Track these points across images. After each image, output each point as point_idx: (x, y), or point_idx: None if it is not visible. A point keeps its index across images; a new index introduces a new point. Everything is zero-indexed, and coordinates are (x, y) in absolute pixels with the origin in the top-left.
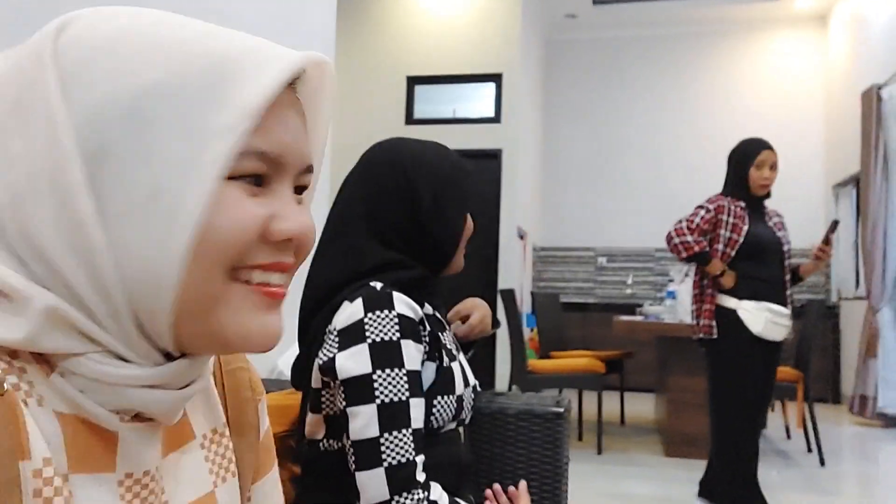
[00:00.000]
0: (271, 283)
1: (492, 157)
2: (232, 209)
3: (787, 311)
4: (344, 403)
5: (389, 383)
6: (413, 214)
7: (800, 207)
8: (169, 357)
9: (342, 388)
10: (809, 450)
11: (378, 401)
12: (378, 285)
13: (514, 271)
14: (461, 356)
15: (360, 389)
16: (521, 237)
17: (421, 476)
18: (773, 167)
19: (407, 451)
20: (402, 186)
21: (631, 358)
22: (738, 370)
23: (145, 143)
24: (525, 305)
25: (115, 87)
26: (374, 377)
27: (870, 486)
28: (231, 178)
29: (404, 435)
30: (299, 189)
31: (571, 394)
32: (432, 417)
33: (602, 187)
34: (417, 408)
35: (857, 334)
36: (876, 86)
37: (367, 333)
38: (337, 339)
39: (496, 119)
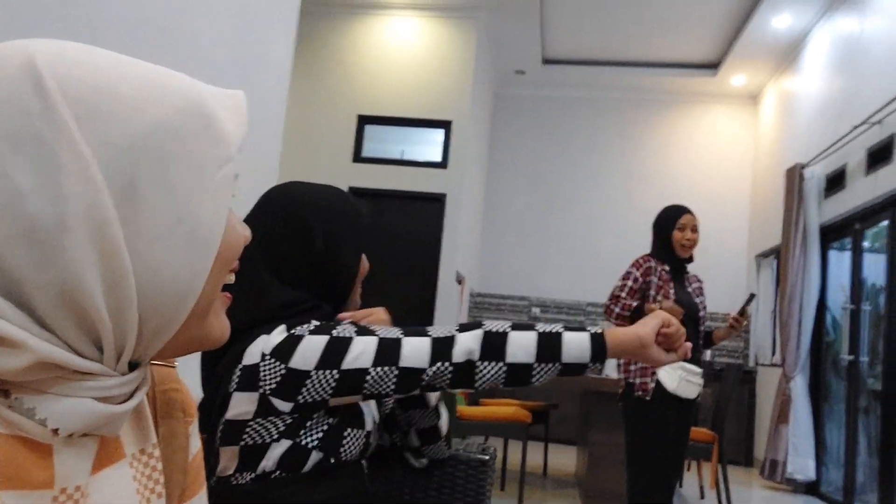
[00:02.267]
0: (229, 283)
1: (436, 201)
2: (232, 226)
3: (699, 370)
4: (335, 372)
5: (346, 329)
6: (308, 254)
7: (724, 275)
8: (132, 368)
9: (321, 370)
10: None
11: (352, 335)
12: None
13: (451, 315)
14: None
15: (336, 349)
16: (459, 282)
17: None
18: (694, 229)
19: (391, 331)
20: (296, 227)
21: (556, 409)
22: (654, 426)
23: (164, 176)
24: None
25: (130, 125)
26: (335, 334)
27: None
28: None
29: (382, 329)
30: None
31: (497, 442)
32: (342, 449)
33: (539, 239)
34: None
35: (772, 400)
36: (799, 165)
37: (302, 332)
38: (275, 360)
39: (443, 164)
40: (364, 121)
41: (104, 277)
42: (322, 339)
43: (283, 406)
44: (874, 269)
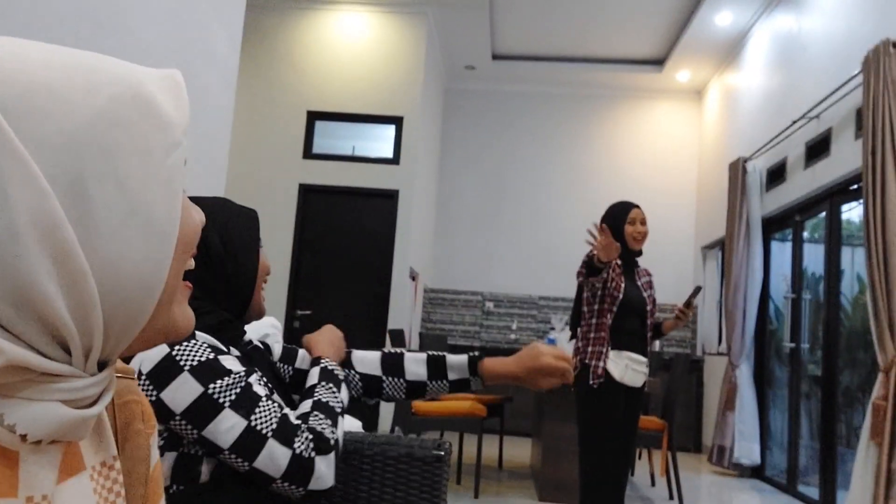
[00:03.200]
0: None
1: (388, 197)
2: (188, 212)
3: (644, 359)
4: (196, 432)
5: (226, 387)
6: (204, 259)
7: (671, 267)
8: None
9: (184, 421)
10: (671, 497)
11: (227, 402)
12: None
13: (405, 311)
14: (276, 396)
15: (204, 409)
16: (413, 278)
17: (296, 420)
18: (643, 222)
19: (274, 413)
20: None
21: (511, 402)
22: (605, 413)
23: (111, 167)
24: (413, 346)
25: (65, 121)
26: (210, 391)
27: None
28: None
29: (263, 405)
30: None
31: (452, 436)
32: None
33: (491, 234)
34: (258, 384)
35: (719, 387)
36: (742, 158)
37: (181, 362)
38: (149, 382)
39: (395, 160)
40: (314, 117)
41: (61, 281)
42: (196, 390)
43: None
44: (814, 259)
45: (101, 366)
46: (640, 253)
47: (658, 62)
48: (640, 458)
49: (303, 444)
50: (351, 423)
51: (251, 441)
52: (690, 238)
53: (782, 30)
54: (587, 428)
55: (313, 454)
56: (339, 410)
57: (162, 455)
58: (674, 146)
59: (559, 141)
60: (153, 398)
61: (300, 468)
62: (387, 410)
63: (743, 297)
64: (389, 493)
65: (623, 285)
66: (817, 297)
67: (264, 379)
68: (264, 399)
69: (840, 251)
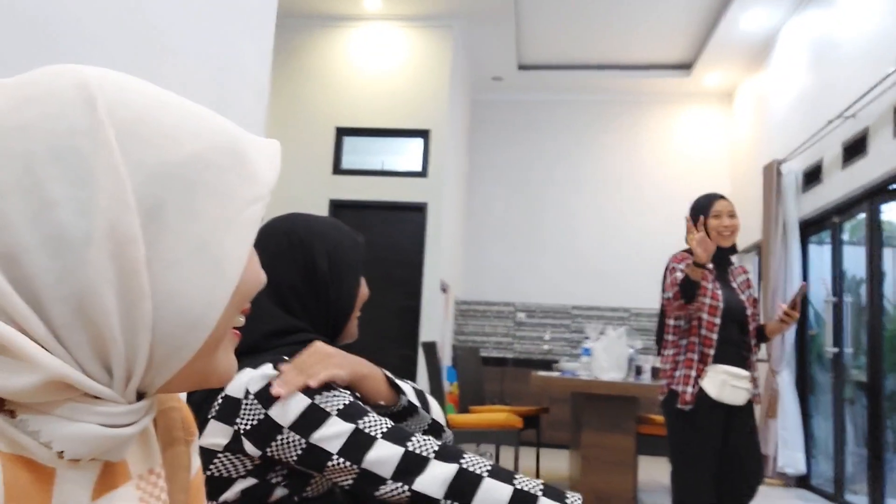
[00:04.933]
0: (236, 325)
1: (417, 210)
2: (252, 264)
3: (745, 373)
4: (303, 442)
5: (333, 397)
6: (310, 279)
7: None
8: (140, 397)
9: (292, 433)
10: None
11: (335, 410)
12: (286, 357)
13: (437, 324)
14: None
15: (313, 417)
16: (444, 290)
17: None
18: (732, 215)
19: (383, 423)
20: (298, 253)
21: (547, 413)
22: (696, 435)
23: (194, 203)
24: (445, 358)
25: (167, 152)
26: (317, 400)
27: None
28: None
29: (373, 416)
30: None
31: (488, 449)
32: (308, 488)
33: (522, 244)
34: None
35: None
36: (776, 161)
37: None
38: (257, 401)
39: (423, 173)
40: (342, 133)
41: (121, 295)
42: (304, 402)
43: (253, 451)
44: (854, 261)
45: (140, 396)
46: (733, 250)
47: (686, 66)
48: None
49: (418, 444)
50: None
51: (361, 440)
52: None
53: (813, 28)
54: (677, 453)
55: (431, 455)
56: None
57: (245, 478)
58: (704, 150)
59: (588, 149)
60: (261, 416)
61: (413, 463)
62: None
63: (782, 302)
64: None
65: (719, 292)
66: (859, 300)
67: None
68: (371, 413)
69: (882, 252)
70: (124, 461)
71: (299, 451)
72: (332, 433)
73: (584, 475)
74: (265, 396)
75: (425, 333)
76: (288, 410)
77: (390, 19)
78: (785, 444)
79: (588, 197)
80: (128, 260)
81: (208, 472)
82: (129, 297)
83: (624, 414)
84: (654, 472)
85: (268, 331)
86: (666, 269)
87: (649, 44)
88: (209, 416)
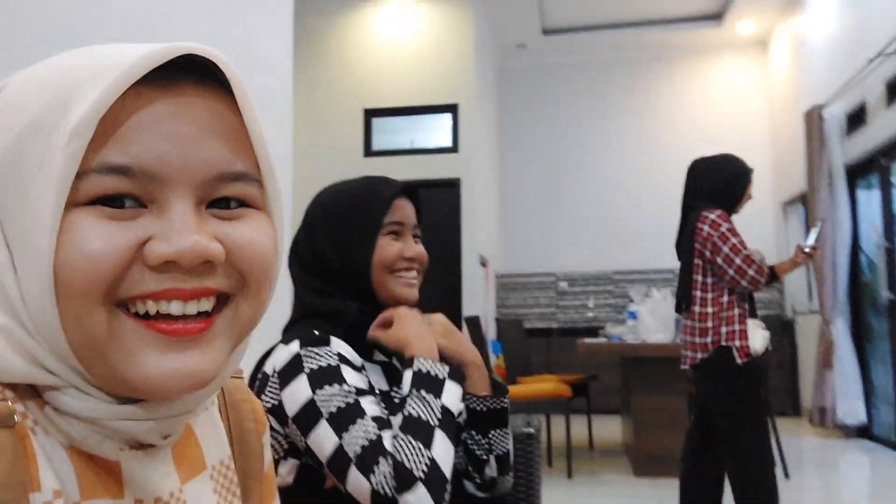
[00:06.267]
0: (172, 313)
1: (451, 186)
2: (83, 239)
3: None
4: (303, 440)
5: (331, 395)
6: (315, 250)
7: (750, 225)
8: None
9: (295, 426)
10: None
11: (325, 414)
12: (316, 331)
13: (478, 299)
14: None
15: (307, 417)
16: (484, 264)
17: (390, 446)
18: None
19: (367, 433)
20: (305, 225)
21: (596, 380)
22: (756, 391)
23: (22, 184)
24: (490, 332)
25: (3, 140)
26: (315, 397)
27: (833, 496)
28: (87, 203)
29: (361, 423)
30: (226, 201)
31: (539, 419)
32: None
33: (558, 212)
34: (371, 404)
35: (813, 347)
36: (817, 106)
37: (304, 364)
38: (278, 380)
39: (454, 149)
40: (371, 114)
41: (2, 299)
42: (306, 394)
43: (278, 427)
44: None
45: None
46: None
47: (716, 16)
48: None
49: (379, 478)
50: None
51: (340, 461)
52: (768, 195)
53: None
54: (743, 411)
55: (393, 491)
56: (435, 422)
57: (285, 459)
58: (741, 101)
59: (620, 109)
60: (278, 398)
61: None
62: None
63: (832, 251)
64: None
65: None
66: None
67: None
68: (365, 417)
69: None
70: (199, 451)
71: (303, 446)
72: (320, 442)
73: (638, 439)
74: (283, 377)
75: (467, 309)
76: (293, 400)
77: None
78: (843, 395)
79: (622, 159)
80: None
81: None
82: (9, 306)
83: (673, 375)
84: None
85: (301, 304)
86: (714, 227)
87: None
88: (278, 398)
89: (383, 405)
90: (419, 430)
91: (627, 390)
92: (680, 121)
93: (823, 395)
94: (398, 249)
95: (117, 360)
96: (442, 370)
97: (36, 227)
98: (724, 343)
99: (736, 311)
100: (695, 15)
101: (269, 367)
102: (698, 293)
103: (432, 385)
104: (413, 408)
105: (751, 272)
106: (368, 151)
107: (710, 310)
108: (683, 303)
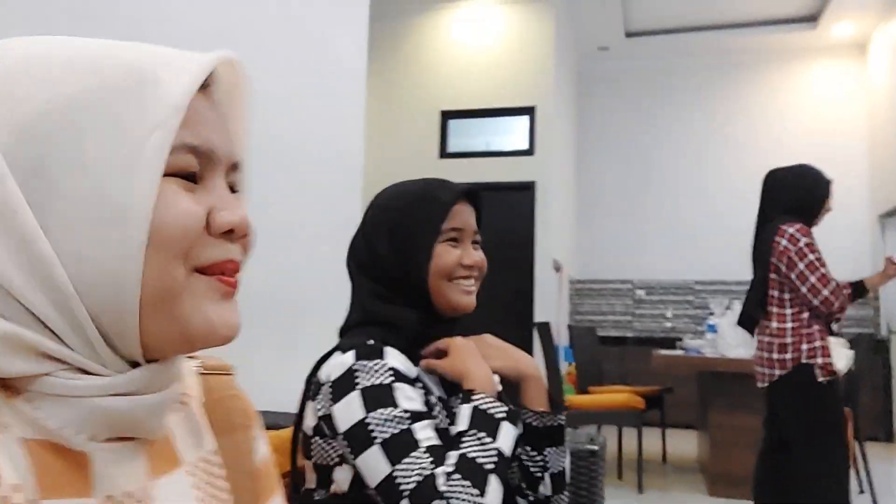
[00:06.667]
0: (226, 273)
1: (525, 190)
2: (174, 204)
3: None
4: (352, 457)
5: (385, 420)
6: (373, 257)
7: (845, 238)
8: (136, 366)
9: (345, 442)
10: (861, 490)
11: (378, 440)
12: (371, 341)
13: (551, 304)
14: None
15: (359, 438)
16: (557, 270)
17: (444, 486)
18: None
19: (422, 468)
20: (364, 228)
21: (671, 393)
22: (834, 411)
23: (80, 152)
24: (562, 339)
25: (37, 104)
26: (368, 420)
27: None
28: (168, 175)
29: (415, 457)
30: (231, 187)
31: (610, 430)
32: None
33: (638, 219)
34: (425, 429)
35: None
36: None
37: (357, 380)
38: (331, 391)
39: (529, 152)
40: (447, 116)
41: (27, 268)
42: (358, 413)
43: (330, 435)
44: None
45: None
46: None
47: (811, 18)
48: None
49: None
50: None
51: (390, 492)
52: (865, 206)
53: None
54: (822, 430)
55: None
56: (490, 466)
57: (340, 465)
58: (836, 108)
59: (705, 115)
60: (329, 408)
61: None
62: None
63: None
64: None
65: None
66: None
67: (441, 415)
68: (421, 448)
69: None
70: (172, 448)
71: (353, 462)
72: (371, 467)
73: (713, 457)
74: (336, 391)
75: (539, 314)
76: (345, 417)
77: None
78: None
79: (707, 165)
80: (18, 229)
81: (311, 459)
82: (35, 267)
83: (754, 392)
84: None
85: (360, 309)
86: (792, 241)
87: None
88: (307, 399)
89: (444, 413)
90: (474, 474)
91: (704, 405)
92: (770, 127)
93: None
94: (457, 257)
95: (186, 308)
96: (500, 409)
97: (125, 191)
98: (804, 360)
99: (816, 327)
100: (786, 17)
101: (323, 375)
102: (775, 309)
103: (489, 425)
104: (470, 448)
105: (825, 292)
106: (444, 153)
107: (789, 325)
108: (756, 317)
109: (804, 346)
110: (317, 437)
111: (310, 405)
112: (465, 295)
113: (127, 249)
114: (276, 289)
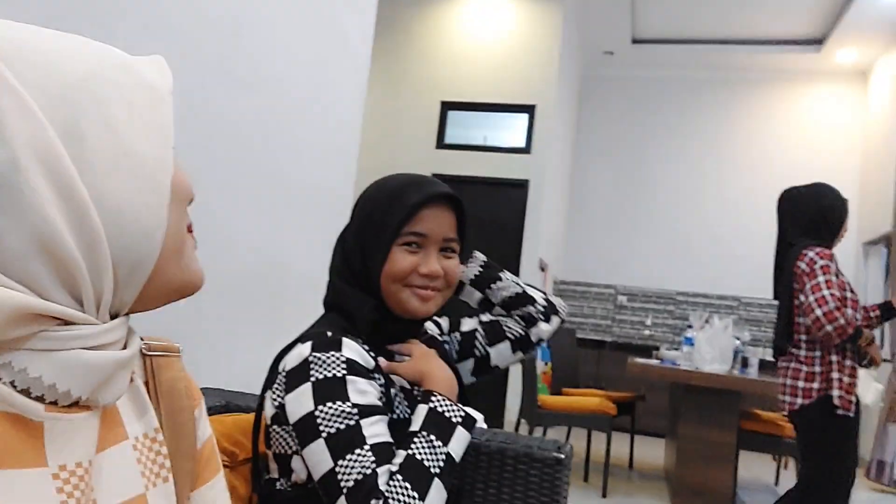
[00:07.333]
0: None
1: (518, 187)
2: (179, 167)
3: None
4: (300, 448)
5: (333, 415)
6: (343, 247)
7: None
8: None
9: (294, 432)
10: None
11: (324, 434)
12: (330, 332)
13: None
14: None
15: (306, 430)
16: (543, 269)
17: (384, 486)
18: None
19: (363, 466)
20: (351, 215)
21: (643, 401)
22: (849, 444)
23: (105, 115)
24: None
25: (62, 73)
26: (316, 413)
27: None
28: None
29: (359, 454)
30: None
31: (580, 433)
32: None
33: (626, 226)
34: (373, 426)
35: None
36: None
37: (311, 373)
38: (285, 381)
39: (526, 150)
40: (447, 107)
41: (68, 214)
42: (307, 406)
43: (286, 423)
44: None
45: (115, 318)
46: None
47: (816, 41)
48: (785, 467)
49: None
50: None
51: (331, 487)
52: (851, 233)
53: None
54: (833, 460)
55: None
56: (436, 470)
57: (297, 454)
58: (833, 132)
59: (703, 128)
60: (282, 399)
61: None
62: (512, 402)
63: None
64: (507, 493)
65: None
66: None
67: (402, 406)
68: (366, 446)
69: None
70: (119, 420)
71: (300, 452)
72: (315, 459)
73: (680, 468)
74: (290, 381)
75: None
76: (295, 408)
77: None
78: None
79: (700, 180)
80: (61, 175)
81: (271, 449)
82: (75, 214)
83: (726, 408)
84: (757, 470)
85: (328, 296)
86: (810, 264)
87: (774, 16)
88: (283, 398)
89: (405, 403)
90: (418, 478)
91: (675, 416)
92: (765, 147)
93: (884, 449)
94: (411, 263)
95: (186, 259)
96: (457, 413)
97: (143, 149)
98: (831, 391)
99: (846, 361)
100: (792, 38)
101: (282, 365)
102: (803, 336)
103: (443, 429)
104: (418, 450)
105: (817, 312)
106: (441, 144)
107: (817, 353)
108: (784, 348)
109: (834, 376)
110: (275, 426)
111: (268, 394)
112: (418, 301)
113: (156, 199)
114: (263, 270)
